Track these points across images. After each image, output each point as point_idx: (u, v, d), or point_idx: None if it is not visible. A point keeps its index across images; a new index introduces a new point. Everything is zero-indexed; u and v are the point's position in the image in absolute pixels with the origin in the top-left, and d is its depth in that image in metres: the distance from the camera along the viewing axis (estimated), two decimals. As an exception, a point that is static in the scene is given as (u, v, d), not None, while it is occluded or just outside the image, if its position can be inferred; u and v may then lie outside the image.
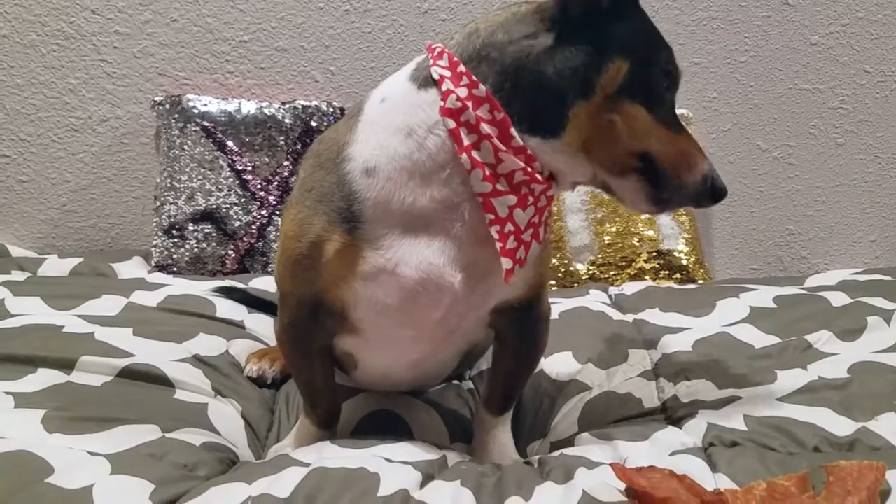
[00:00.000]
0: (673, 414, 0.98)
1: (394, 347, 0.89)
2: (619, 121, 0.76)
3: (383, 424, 1.04)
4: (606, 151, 0.77)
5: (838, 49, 1.86)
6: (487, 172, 0.75)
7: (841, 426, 0.88)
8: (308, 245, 0.81)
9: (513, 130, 0.75)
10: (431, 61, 0.77)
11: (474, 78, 0.75)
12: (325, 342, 0.91)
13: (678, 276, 1.71)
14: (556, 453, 0.90)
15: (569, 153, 0.77)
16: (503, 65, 0.76)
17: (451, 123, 0.75)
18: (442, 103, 0.75)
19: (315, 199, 0.81)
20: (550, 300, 1.37)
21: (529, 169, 0.76)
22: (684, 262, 1.71)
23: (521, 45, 0.76)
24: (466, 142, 0.75)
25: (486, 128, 0.74)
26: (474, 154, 0.75)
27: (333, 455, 0.84)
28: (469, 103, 0.74)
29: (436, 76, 0.76)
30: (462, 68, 0.76)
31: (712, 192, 0.80)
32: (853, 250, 1.97)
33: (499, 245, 0.77)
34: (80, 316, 1.21)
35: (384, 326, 0.84)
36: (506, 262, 0.78)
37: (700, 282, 1.70)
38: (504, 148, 0.75)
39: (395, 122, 0.78)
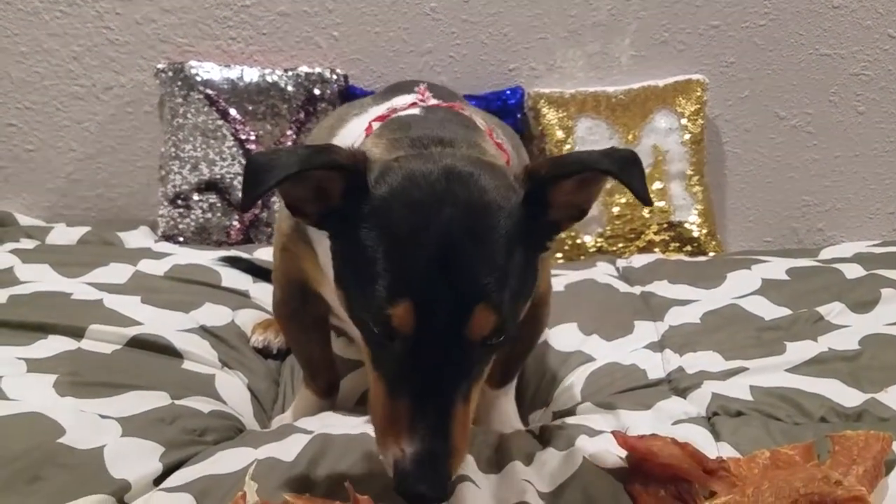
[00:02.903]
0: (678, 385, 0.97)
1: None
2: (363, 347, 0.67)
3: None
4: None
5: (861, 12, 1.79)
6: None
7: (849, 397, 0.87)
8: (290, 242, 0.85)
9: None
10: None
11: None
12: (318, 317, 0.92)
13: (689, 248, 1.68)
14: (558, 422, 0.90)
15: None
16: None
17: None
18: None
19: None
20: (557, 273, 1.37)
21: None
22: (696, 234, 1.69)
23: None
24: None
25: None
26: None
27: (336, 423, 0.85)
28: None
29: None
30: None
31: (397, 489, 0.60)
32: (870, 222, 1.93)
33: None
34: (88, 283, 1.22)
35: None
36: None
37: (711, 254, 1.67)
38: None
39: None
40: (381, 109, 0.81)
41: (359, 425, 0.84)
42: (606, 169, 0.63)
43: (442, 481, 0.58)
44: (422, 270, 0.58)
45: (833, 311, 1.13)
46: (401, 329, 0.58)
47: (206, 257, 1.40)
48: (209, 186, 1.62)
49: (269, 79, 1.65)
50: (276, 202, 1.64)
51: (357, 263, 0.61)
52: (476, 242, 0.59)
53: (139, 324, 1.06)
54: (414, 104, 0.81)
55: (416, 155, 0.66)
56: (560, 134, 1.69)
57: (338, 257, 0.65)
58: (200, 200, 1.62)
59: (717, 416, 0.86)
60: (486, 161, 0.67)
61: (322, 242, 0.79)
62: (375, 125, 0.77)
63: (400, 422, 0.59)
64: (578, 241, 1.67)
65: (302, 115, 1.65)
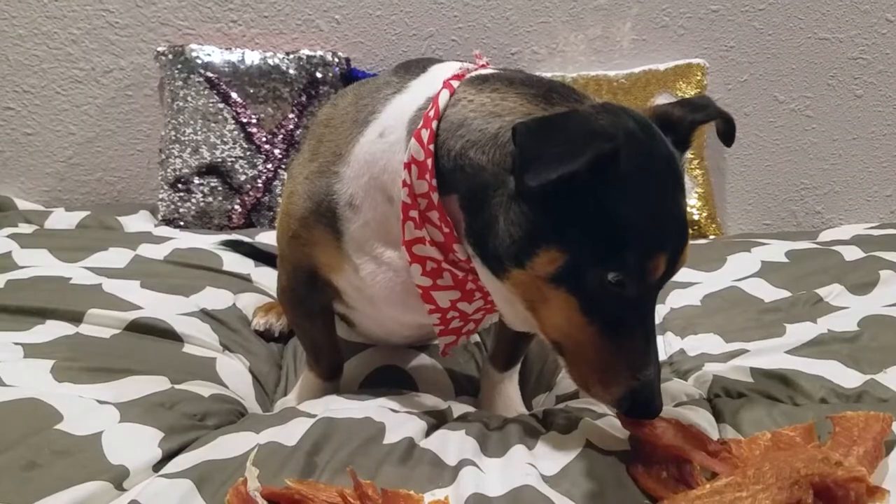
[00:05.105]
0: (679, 367, 0.98)
1: (385, 320, 0.91)
2: (548, 302, 0.67)
3: (389, 380, 1.04)
4: (540, 318, 0.69)
5: (860, -4, 1.79)
6: (427, 268, 0.74)
7: (849, 378, 0.88)
8: (303, 228, 0.83)
9: (456, 247, 0.72)
10: (422, 123, 0.71)
11: (434, 182, 0.70)
12: (324, 303, 0.92)
13: (689, 231, 1.69)
14: (561, 405, 0.90)
15: (507, 298, 0.71)
16: (471, 187, 0.69)
17: (401, 214, 0.72)
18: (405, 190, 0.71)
19: (313, 190, 0.81)
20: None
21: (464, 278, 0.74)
22: (696, 218, 1.69)
23: (493, 177, 0.67)
24: (408, 236, 0.73)
25: (431, 230, 0.72)
26: (415, 249, 0.73)
27: (340, 407, 0.85)
28: (422, 201, 0.71)
29: (411, 152, 0.70)
30: (430, 162, 0.69)
31: (630, 411, 0.68)
32: (868, 205, 1.93)
33: (439, 328, 0.80)
34: (87, 268, 1.21)
35: (372, 306, 0.86)
36: (444, 340, 0.82)
37: (711, 237, 1.68)
38: (441, 258, 0.73)
39: (380, 179, 0.76)
40: (432, 78, 0.76)
41: (362, 409, 0.84)
42: (728, 118, 0.78)
43: (660, 396, 0.68)
44: (669, 224, 0.66)
45: (832, 292, 1.14)
46: (652, 277, 0.65)
47: (206, 241, 1.39)
48: (210, 170, 1.61)
49: (270, 62, 1.63)
50: (278, 184, 1.63)
51: (607, 219, 0.63)
52: (684, 189, 0.70)
53: (139, 308, 1.05)
54: (480, 66, 0.78)
55: (606, 109, 0.67)
56: (560, 118, 1.69)
57: (566, 214, 0.63)
58: (201, 184, 1.61)
59: (719, 398, 0.87)
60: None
61: (358, 220, 0.78)
62: (455, 83, 0.73)
63: (632, 356, 0.66)
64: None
65: (304, 99, 1.64)
